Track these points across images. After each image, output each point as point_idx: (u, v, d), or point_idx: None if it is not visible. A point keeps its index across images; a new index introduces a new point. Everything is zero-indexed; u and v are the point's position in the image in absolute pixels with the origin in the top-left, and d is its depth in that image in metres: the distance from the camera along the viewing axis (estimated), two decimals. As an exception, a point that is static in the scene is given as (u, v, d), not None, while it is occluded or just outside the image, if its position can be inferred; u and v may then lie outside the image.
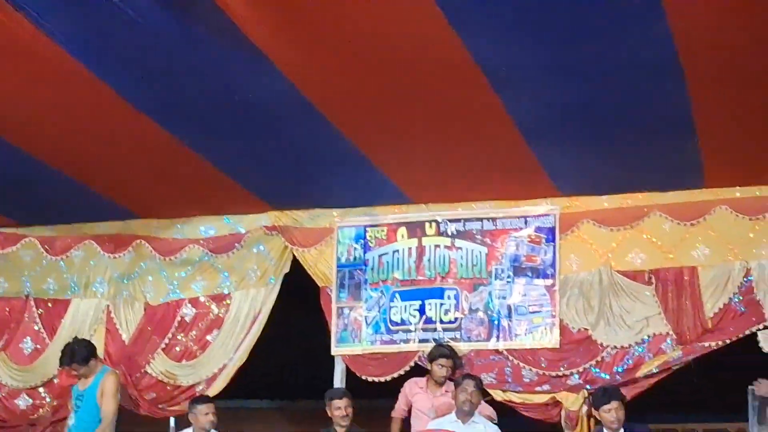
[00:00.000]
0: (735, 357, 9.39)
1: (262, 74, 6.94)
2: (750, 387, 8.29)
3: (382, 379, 9.66)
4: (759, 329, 8.85)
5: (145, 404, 9.97)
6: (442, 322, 9.52)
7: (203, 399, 9.10)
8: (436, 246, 9.65)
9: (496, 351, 9.40)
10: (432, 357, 9.09)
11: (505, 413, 9.41)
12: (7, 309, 10.54)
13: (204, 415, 8.80)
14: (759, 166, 8.60)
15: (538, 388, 9.27)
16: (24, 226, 10.57)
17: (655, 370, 9.01)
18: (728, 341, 8.93)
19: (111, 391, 8.89)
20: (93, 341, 9.89)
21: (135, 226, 10.40)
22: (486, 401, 9.20)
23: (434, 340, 9.37)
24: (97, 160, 8.73)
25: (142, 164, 8.82)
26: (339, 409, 8.70)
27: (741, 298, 8.96)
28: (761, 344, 8.80)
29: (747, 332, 8.90)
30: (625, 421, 8.12)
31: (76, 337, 9.47)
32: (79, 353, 8.99)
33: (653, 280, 9.13)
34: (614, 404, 8.17)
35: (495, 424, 8.75)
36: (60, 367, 9.32)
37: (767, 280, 8.88)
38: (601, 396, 8.29)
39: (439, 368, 9.00)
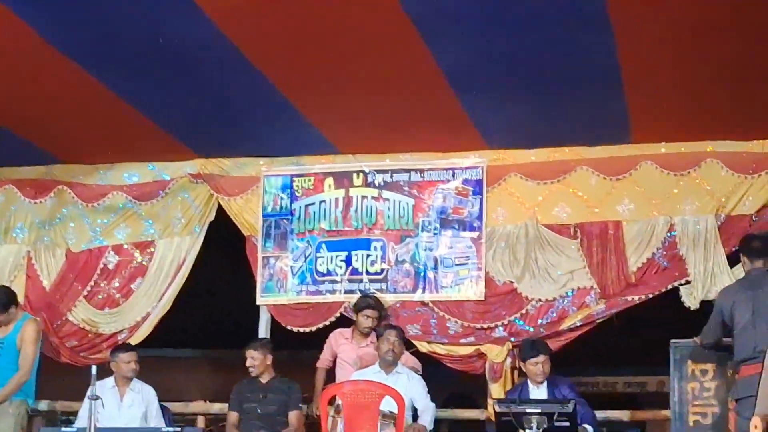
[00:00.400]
0: (657, 312, 9.47)
1: (188, 19, 6.83)
2: (672, 341, 8.37)
3: (307, 330, 9.65)
4: (681, 284, 8.95)
5: (66, 352, 9.89)
6: (368, 273, 9.50)
7: (125, 347, 9.03)
8: (363, 197, 9.62)
9: (422, 303, 9.42)
10: (358, 308, 9.09)
11: (429, 365, 9.45)
12: (-74, 249, 10.35)
13: (126, 364, 8.74)
14: (685, 123, 8.66)
15: (462, 340, 9.31)
16: (-59, 167, 10.37)
17: (578, 323, 9.09)
18: (651, 295, 9.04)
19: (30, 338, 8.77)
20: (13, 288, 9.76)
21: (57, 171, 10.24)
22: (411, 353, 9.24)
23: (360, 291, 9.38)
24: (19, 103, 8.54)
25: (64, 108, 8.66)
26: (249, 358, 8.72)
27: (664, 253, 9.04)
28: (683, 299, 8.90)
29: (669, 287, 9.01)
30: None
31: (-6, 284, 9.32)
32: None
33: (578, 234, 9.19)
34: (541, 358, 8.28)
35: (419, 375, 8.78)
36: (-22, 314, 9.16)
37: (690, 235, 8.96)
38: (529, 349, 8.38)
39: (365, 319, 9.00)
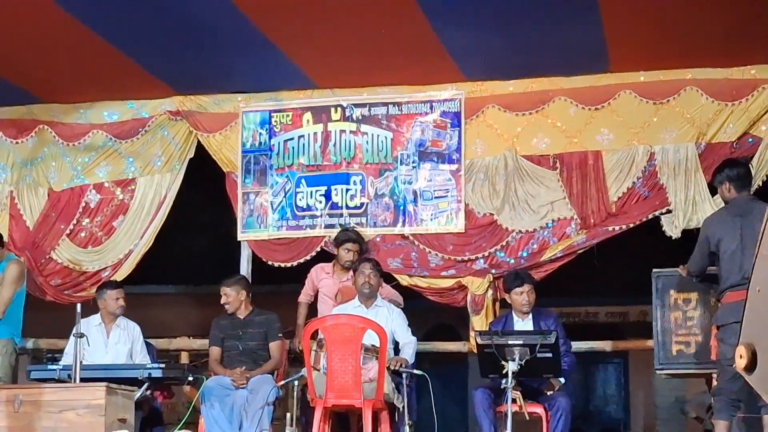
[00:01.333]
0: (638, 241, 9.49)
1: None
2: (654, 270, 8.39)
3: (288, 265, 9.66)
4: (662, 213, 8.94)
5: (50, 290, 9.92)
6: (348, 207, 9.49)
7: (112, 284, 9.05)
8: (342, 131, 9.58)
9: (402, 236, 9.42)
10: (338, 241, 9.10)
11: (411, 298, 9.48)
12: None
13: (114, 300, 8.75)
14: (663, 51, 8.60)
15: (443, 273, 9.31)
16: None
17: (559, 254, 9.09)
18: (632, 225, 9.02)
19: (10, 279, 8.79)
20: (-3, 228, 9.83)
21: (37, 110, 10.20)
22: (392, 286, 9.26)
23: (340, 225, 9.37)
24: (-4, 43, 8.51)
25: (44, 47, 8.62)
26: (223, 296, 8.79)
27: (645, 182, 9.02)
28: (664, 228, 8.90)
29: (650, 216, 8.99)
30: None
31: (-22, 225, 9.33)
32: None
33: (558, 165, 9.16)
34: (526, 287, 8.29)
35: (400, 308, 8.81)
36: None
37: (670, 164, 8.93)
38: (513, 279, 8.38)
39: (346, 252, 9.01)
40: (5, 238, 9.73)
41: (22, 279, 8.97)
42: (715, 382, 7.53)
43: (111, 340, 8.74)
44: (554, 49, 8.56)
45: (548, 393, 7.90)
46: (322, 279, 9.17)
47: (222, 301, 8.79)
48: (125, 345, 8.75)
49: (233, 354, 8.68)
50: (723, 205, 7.81)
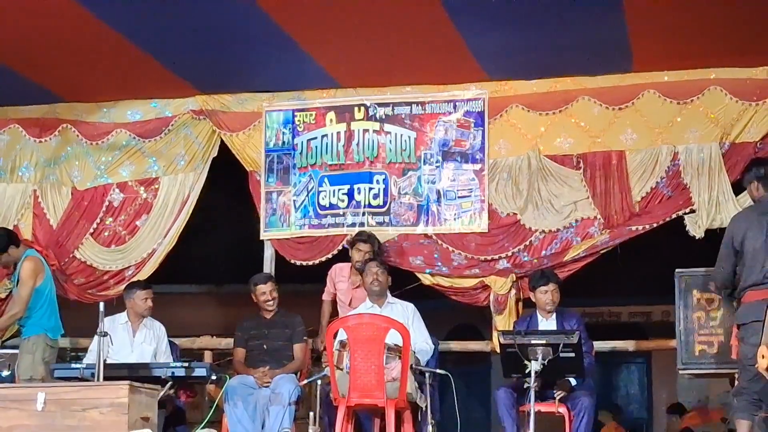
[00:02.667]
0: (661, 240, 9.46)
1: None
2: (677, 270, 8.37)
3: (311, 263, 9.66)
4: (686, 213, 8.91)
5: (74, 289, 9.94)
6: (370, 206, 9.50)
7: (142, 284, 9.03)
8: (365, 130, 9.59)
9: (425, 235, 9.42)
10: (351, 242, 9.14)
11: (433, 297, 9.48)
12: (-68, 187, 10.38)
13: (143, 301, 8.75)
14: (687, 50, 8.58)
15: (466, 272, 9.31)
16: (-54, 108, 10.38)
17: (582, 254, 9.08)
18: (655, 225, 8.99)
19: (25, 276, 8.80)
20: (20, 226, 9.83)
21: (61, 109, 10.25)
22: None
23: (362, 224, 9.38)
24: (21, 43, 8.56)
25: (67, 46, 8.67)
26: (264, 293, 8.81)
27: (668, 182, 9.00)
28: (688, 228, 8.87)
29: (674, 216, 8.96)
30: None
31: (-8, 228, 9.36)
32: None
33: (581, 165, 9.15)
34: (551, 286, 8.31)
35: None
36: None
37: (694, 163, 8.91)
38: (538, 278, 8.41)
39: (357, 253, 9.00)
40: (29, 237, 9.79)
41: (38, 274, 8.94)
42: (737, 382, 7.49)
43: (137, 339, 8.75)
44: (578, 49, 8.55)
45: (557, 394, 7.82)
46: (339, 282, 9.21)
47: (264, 299, 8.80)
48: (150, 344, 8.77)
49: (257, 353, 8.73)
50: (747, 204, 7.78)
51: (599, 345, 8.77)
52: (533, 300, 8.49)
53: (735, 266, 7.49)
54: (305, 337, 8.84)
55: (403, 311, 8.53)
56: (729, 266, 7.54)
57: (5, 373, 8.70)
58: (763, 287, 7.17)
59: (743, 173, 7.91)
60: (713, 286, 8.02)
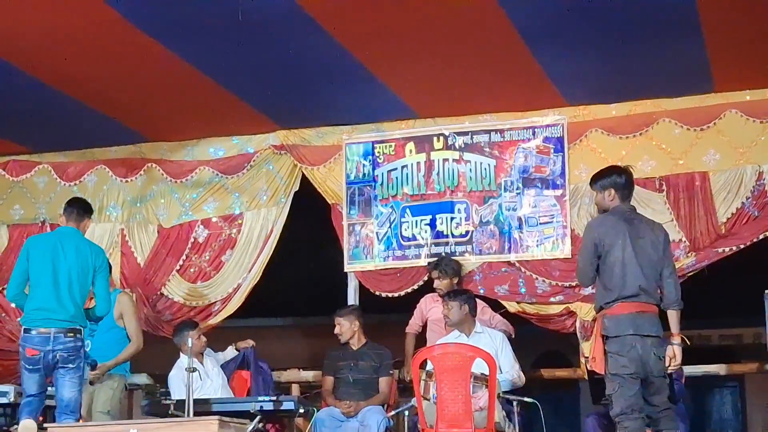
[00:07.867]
0: (749, 261, 9.33)
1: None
2: (766, 291, 8.23)
3: (395, 294, 9.70)
4: (773, 233, 8.81)
5: (162, 326, 10.05)
6: (453, 236, 9.51)
7: (191, 324, 9.04)
8: (445, 160, 9.62)
9: (508, 263, 9.39)
10: (429, 272, 9.17)
11: (519, 324, 9.43)
12: (25, 235, 10.53)
13: (197, 339, 8.64)
14: (768, 68, 8.49)
15: (551, 299, 9.27)
16: (37, 152, 10.59)
17: (669, 278, 8.97)
18: (742, 246, 8.87)
19: (127, 310, 8.97)
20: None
21: (145, 149, 10.43)
22: (501, 313, 9.23)
23: (445, 254, 9.39)
24: (106, 85, 8.74)
25: (150, 87, 8.84)
26: (337, 326, 8.85)
27: (754, 202, 8.89)
28: (776, 248, 8.77)
29: (761, 236, 8.84)
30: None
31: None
32: None
33: (664, 187, 9.08)
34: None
35: (507, 335, 8.78)
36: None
37: (780, 183, 8.81)
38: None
39: (435, 281, 9.04)
40: (117, 276, 9.93)
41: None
42: (614, 404, 7.05)
43: (207, 367, 8.79)
44: (656, 71, 8.49)
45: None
46: (431, 308, 9.19)
47: (335, 331, 8.87)
48: (215, 366, 8.86)
49: (344, 383, 8.75)
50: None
51: (690, 369, 8.63)
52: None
53: (594, 273, 7.24)
54: (391, 371, 8.85)
55: (491, 340, 8.50)
56: (592, 271, 7.21)
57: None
58: (634, 299, 7.02)
59: (593, 177, 7.55)
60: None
